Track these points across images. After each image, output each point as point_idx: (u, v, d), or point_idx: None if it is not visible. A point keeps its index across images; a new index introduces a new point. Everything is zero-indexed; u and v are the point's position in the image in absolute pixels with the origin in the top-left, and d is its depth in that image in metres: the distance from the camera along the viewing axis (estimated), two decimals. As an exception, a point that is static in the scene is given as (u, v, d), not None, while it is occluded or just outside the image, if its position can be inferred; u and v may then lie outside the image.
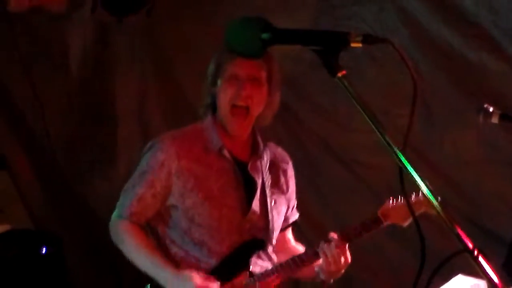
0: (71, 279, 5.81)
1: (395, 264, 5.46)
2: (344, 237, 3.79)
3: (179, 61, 5.77)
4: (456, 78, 5.28)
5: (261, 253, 3.91)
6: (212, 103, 3.87)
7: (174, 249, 3.84)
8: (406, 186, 2.10)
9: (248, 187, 3.88)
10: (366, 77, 5.16)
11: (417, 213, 3.75)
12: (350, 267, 3.86)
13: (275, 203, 3.95)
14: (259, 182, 3.90)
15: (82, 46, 5.84)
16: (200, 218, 3.78)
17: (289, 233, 4.18)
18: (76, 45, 5.82)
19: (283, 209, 4.03)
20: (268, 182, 3.94)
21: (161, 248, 3.85)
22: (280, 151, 4.11)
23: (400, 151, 2.03)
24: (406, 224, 3.86)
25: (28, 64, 5.81)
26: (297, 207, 4.15)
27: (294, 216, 4.17)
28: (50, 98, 5.88)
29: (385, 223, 3.88)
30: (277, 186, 4.01)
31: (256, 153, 3.93)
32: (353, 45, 2.08)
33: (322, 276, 3.84)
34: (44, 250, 5.66)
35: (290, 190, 4.09)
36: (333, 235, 3.78)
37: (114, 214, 3.88)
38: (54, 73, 5.85)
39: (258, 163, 3.93)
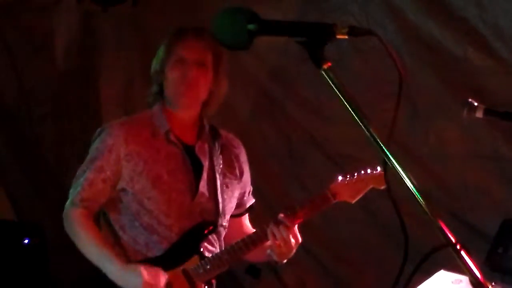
0: (54, 270, 5.79)
1: (378, 259, 5.47)
2: (293, 217, 3.76)
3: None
4: (441, 72, 5.28)
5: (211, 238, 3.92)
6: (160, 91, 3.94)
7: (124, 236, 3.84)
8: (390, 180, 2.09)
9: (197, 170, 3.91)
10: (351, 70, 5.15)
11: (368, 188, 3.89)
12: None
13: (227, 187, 3.98)
14: (206, 164, 3.92)
15: (68, 35, 5.82)
16: (149, 202, 3.79)
17: (246, 219, 4.19)
18: (62, 34, 5.80)
19: (235, 194, 4.05)
20: (219, 166, 3.96)
21: (112, 235, 3.87)
22: (231, 137, 4.14)
23: (384, 144, 2.02)
24: (353, 201, 3.88)
25: (13, 53, 5.79)
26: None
27: (251, 201, 4.18)
28: (36, 87, 5.86)
29: (334, 201, 3.87)
30: (229, 171, 4.03)
31: (201, 137, 3.96)
32: (339, 36, 2.07)
33: (275, 257, 3.82)
34: (26, 241, 5.64)
35: (244, 175, 4.11)
36: (282, 216, 3.75)
37: (67, 203, 3.87)
38: (40, 62, 5.83)
39: (206, 146, 3.96)
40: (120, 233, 3.85)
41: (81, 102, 5.95)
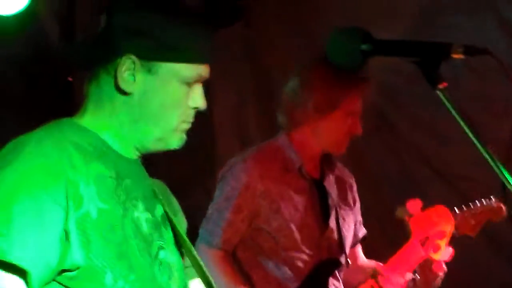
0: None
1: (487, 274, 5.36)
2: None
3: (276, 72, 5.78)
4: (558, 90, 5.16)
5: (336, 274, 3.87)
6: (291, 121, 3.85)
7: (255, 276, 3.76)
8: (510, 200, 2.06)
9: (323, 204, 3.85)
10: (465, 89, 5.07)
11: (486, 220, 3.93)
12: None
13: (343, 219, 3.92)
14: (334, 198, 3.88)
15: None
16: (284, 240, 3.72)
17: (359, 250, 4.14)
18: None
19: (351, 225, 3.99)
20: (337, 198, 3.92)
21: (241, 274, 3.77)
22: (342, 166, 4.07)
23: (502, 165, 1.98)
24: (475, 235, 3.90)
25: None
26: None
27: (362, 231, 4.13)
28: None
29: (457, 236, 3.87)
30: (345, 202, 3.97)
31: (329, 169, 3.92)
32: (454, 56, 2.04)
33: None
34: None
35: (356, 205, 4.06)
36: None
37: (204, 241, 3.75)
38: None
39: (331, 178, 3.92)
40: (251, 272, 3.77)
41: (193, 122, 6.00)
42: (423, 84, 2.07)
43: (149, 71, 2.26)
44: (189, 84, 2.33)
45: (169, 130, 2.33)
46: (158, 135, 2.33)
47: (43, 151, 2.10)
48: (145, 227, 2.27)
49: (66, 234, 2.05)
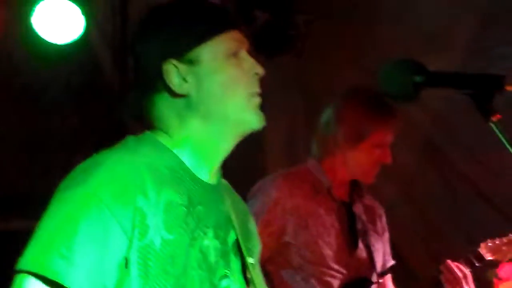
0: None
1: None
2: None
3: (328, 102, 5.77)
4: None
5: None
6: (322, 147, 3.93)
7: None
8: None
9: (351, 226, 3.91)
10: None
11: None
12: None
13: (373, 245, 3.96)
14: (362, 221, 3.95)
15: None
16: (311, 255, 3.75)
17: (389, 280, 4.14)
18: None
19: (380, 251, 4.03)
20: (366, 223, 3.98)
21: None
22: (372, 197, 4.13)
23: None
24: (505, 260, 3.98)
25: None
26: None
27: (390, 261, 4.14)
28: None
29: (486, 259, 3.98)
30: (374, 228, 4.03)
31: (358, 196, 3.99)
32: (508, 88, 2.03)
33: None
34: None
35: (385, 235, 4.10)
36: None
37: None
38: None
39: (360, 205, 3.99)
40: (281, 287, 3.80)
41: (245, 147, 6.02)
42: (475, 113, 2.06)
43: (191, 62, 2.26)
44: (234, 55, 2.32)
45: (241, 107, 2.33)
46: (232, 117, 2.32)
47: (116, 176, 2.10)
48: (212, 256, 2.25)
49: (127, 262, 2.05)
